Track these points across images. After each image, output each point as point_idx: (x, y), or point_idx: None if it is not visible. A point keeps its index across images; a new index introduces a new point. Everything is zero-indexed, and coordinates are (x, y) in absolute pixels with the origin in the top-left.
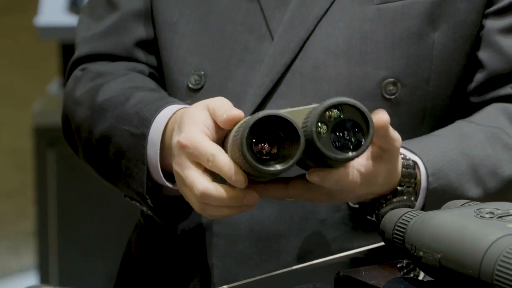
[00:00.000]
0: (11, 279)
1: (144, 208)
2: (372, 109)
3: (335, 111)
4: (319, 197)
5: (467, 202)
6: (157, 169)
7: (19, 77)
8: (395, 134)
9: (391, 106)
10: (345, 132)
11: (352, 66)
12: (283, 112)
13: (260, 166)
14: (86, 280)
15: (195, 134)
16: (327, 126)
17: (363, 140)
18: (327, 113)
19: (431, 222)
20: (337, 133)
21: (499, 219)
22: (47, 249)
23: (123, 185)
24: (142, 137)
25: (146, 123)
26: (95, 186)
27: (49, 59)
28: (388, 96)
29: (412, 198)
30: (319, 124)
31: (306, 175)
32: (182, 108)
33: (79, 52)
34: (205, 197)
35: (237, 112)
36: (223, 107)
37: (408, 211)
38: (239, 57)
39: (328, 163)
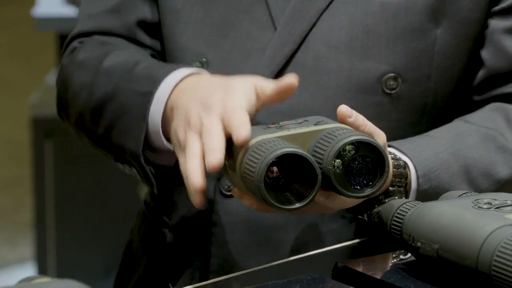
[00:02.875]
0: (8, 270)
1: (134, 171)
2: (372, 104)
3: (351, 146)
4: (322, 210)
5: (464, 193)
6: (158, 127)
7: (17, 68)
8: (377, 131)
9: (391, 101)
10: (359, 167)
11: (353, 60)
12: (293, 135)
13: (280, 206)
14: (83, 271)
15: (239, 102)
16: (342, 161)
17: (376, 174)
18: (343, 148)
19: (429, 212)
20: (351, 167)
21: (497, 209)
22: (44, 240)
23: (116, 147)
24: (148, 95)
25: (156, 82)
26: (93, 177)
27: (47, 50)
28: (388, 91)
29: (403, 198)
30: (335, 159)
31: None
32: (199, 73)
33: (81, 27)
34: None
35: (288, 80)
36: (269, 83)
37: (406, 202)
38: (241, 45)
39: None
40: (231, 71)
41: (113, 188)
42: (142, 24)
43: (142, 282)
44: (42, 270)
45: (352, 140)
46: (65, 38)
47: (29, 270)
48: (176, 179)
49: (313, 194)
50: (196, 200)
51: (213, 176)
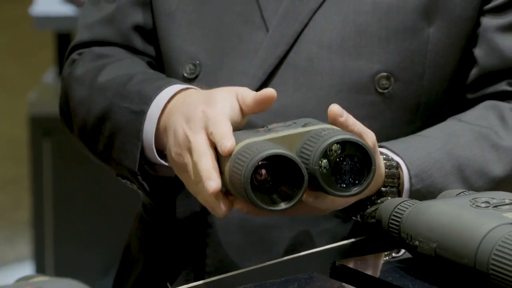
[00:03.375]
0: (7, 268)
1: (135, 186)
2: (365, 103)
3: (337, 145)
4: (313, 211)
5: (462, 192)
6: (151, 143)
7: (15, 66)
8: (367, 131)
9: (384, 100)
10: (346, 167)
11: (345, 60)
12: (281, 138)
13: (269, 208)
14: (81, 269)
15: (222, 112)
16: (328, 161)
17: (363, 173)
18: (328, 148)
19: (427, 211)
20: (338, 167)
21: (495, 208)
22: (42, 239)
23: (115, 163)
24: (141, 114)
25: (147, 100)
26: (91, 176)
27: (45, 49)
28: (381, 90)
29: (397, 198)
30: (321, 159)
31: (303, 199)
32: (189, 88)
33: (79, 37)
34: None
35: (268, 92)
36: (250, 92)
37: (404, 201)
38: (234, 47)
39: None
40: (224, 72)
41: (111, 187)
42: (137, 29)
43: (139, 283)
44: (40, 269)
45: (337, 139)
46: (63, 36)
47: (27, 268)
48: (171, 182)
49: (300, 195)
50: (223, 209)
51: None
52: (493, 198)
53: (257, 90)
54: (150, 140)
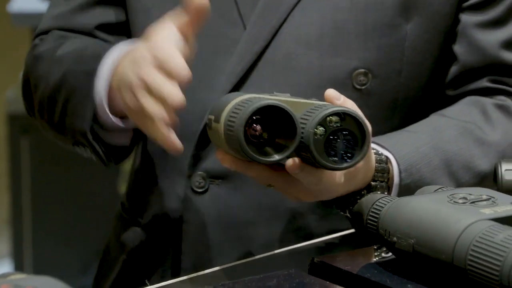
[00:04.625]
0: None
1: (88, 151)
2: None
3: (336, 117)
4: (299, 193)
5: (440, 188)
6: (102, 103)
7: None
8: (364, 119)
9: (361, 96)
10: (340, 140)
11: (323, 56)
12: (284, 100)
13: (260, 157)
14: (60, 267)
15: (164, 41)
16: (325, 129)
17: (356, 151)
18: (328, 117)
19: (405, 207)
20: (332, 139)
21: (472, 204)
22: (21, 237)
23: (69, 130)
24: (92, 73)
25: (99, 59)
26: (70, 174)
27: (22, 46)
28: (358, 87)
29: (385, 193)
30: (318, 125)
31: (287, 166)
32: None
33: (42, 25)
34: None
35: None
36: (181, 14)
37: (382, 197)
38: (210, 43)
39: (315, 164)
40: (201, 69)
41: (90, 185)
42: (102, 27)
43: (118, 281)
44: (19, 267)
45: (339, 110)
46: None
47: (5, 266)
48: (148, 177)
49: (293, 146)
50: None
51: (184, 174)
52: (470, 194)
53: (235, 86)
54: (102, 98)
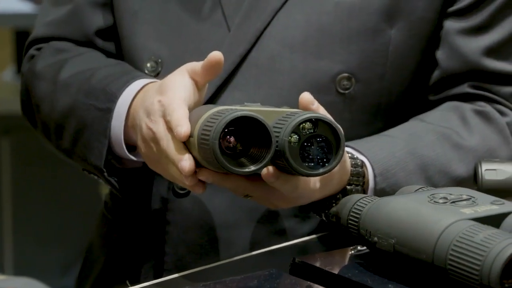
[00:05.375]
0: None
1: (101, 180)
2: (325, 103)
3: (310, 124)
4: (277, 201)
5: (421, 188)
6: (120, 140)
7: None
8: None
9: (344, 100)
10: (314, 146)
11: (307, 59)
12: (256, 110)
13: (236, 169)
14: (41, 269)
15: (175, 97)
16: (299, 137)
17: (331, 157)
18: (301, 124)
19: (386, 207)
20: (306, 145)
21: (453, 204)
22: (1, 238)
23: (81, 159)
24: (107, 111)
25: (113, 97)
26: (51, 175)
27: (3, 47)
28: (342, 91)
29: None
30: (292, 133)
31: (263, 175)
32: (151, 82)
33: (37, 33)
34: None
35: (214, 54)
36: (198, 63)
37: (363, 197)
38: (195, 44)
39: (291, 172)
40: None
41: (71, 186)
42: (99, 32)
43: (100, 281)
44: None
45: (312, 116)
46: (22, 34)
47: None
48: (133, 179)
49: (269, 156)
50: (192, 182)
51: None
52: (450, 194)
53: (219, 88)
54: (119, 136)
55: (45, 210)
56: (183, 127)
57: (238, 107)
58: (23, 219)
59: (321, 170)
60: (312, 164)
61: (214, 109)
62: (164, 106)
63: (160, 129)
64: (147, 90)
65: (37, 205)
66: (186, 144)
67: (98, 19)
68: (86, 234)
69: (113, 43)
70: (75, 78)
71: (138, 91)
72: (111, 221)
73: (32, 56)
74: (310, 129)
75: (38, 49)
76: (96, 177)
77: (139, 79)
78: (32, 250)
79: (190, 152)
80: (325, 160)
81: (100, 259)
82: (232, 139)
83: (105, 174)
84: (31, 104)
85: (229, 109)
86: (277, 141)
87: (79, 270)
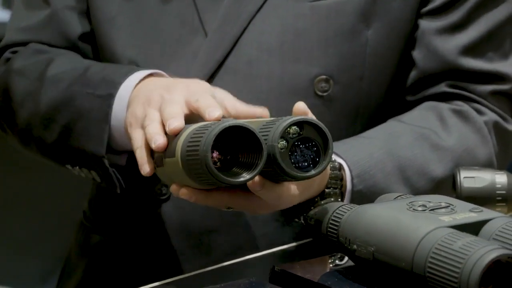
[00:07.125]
0: None
1: (92, 174)
2: None
3: (295, 127)
4: (258, 208)
5: (400, 195)
6: (122, 125)
7: None
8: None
9: (323, 103)
10: (302, 149)
11: (285, 63)
12: (244, 121)
13: (230, 179)
14: (20, 278)
15: (178, 97)
16: (287, 141)
17: (319, 158)
18: (287, 129)
19: (365, 215)
20: (295, 149)
21: (431, 211)
22: None
23: (73, 151)
24: (108, 97)
25: (115, 84)
26: (31, 183)
27: None
28: (320, 93)
29: (339, 200)
30: (279, 140)
31: (249, 185)
32: (153, 74)
33: (12, 38)
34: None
35: (263, 111)
36: (209, 105)
37: (342, 205)
38: (172, 50)
39: (279, 178)
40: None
41: (51, 195)
42: (83, 36)
43: None
44: None
45: (297, 120)
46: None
47: None
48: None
49: (261, 163)
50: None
51: (148, 182)
52: (429, 202)
53: None
54: (121, 121)
55: (24, 218)
56: (177, 121)
57: (216, 122)
58: (2, 227)
59: (313, 172)
60: (302, 167)
61: (193, 126)
62: (164, 99)
63: (152, 112)
64: (152, 81)
65: (16, 213)
66: (157, 166)
67: (79, 24)
68: (65, 243)
69: (94, 48)
70: (67, 73)
71: (141, 80)
72: (90, 229)
73: (8, 59)
74: (295, 133)
75: (14, 52)
76: (87, 171)
77: (142, 69)
78: (10, 259)
79: (164, 175)
80: (313, 162)
81: (79, 268)
82: (215, 154)
83: (105, 161)
84: (9, 105)
85: (210, 123)
86: (267, 148)
87: (57, 279)
